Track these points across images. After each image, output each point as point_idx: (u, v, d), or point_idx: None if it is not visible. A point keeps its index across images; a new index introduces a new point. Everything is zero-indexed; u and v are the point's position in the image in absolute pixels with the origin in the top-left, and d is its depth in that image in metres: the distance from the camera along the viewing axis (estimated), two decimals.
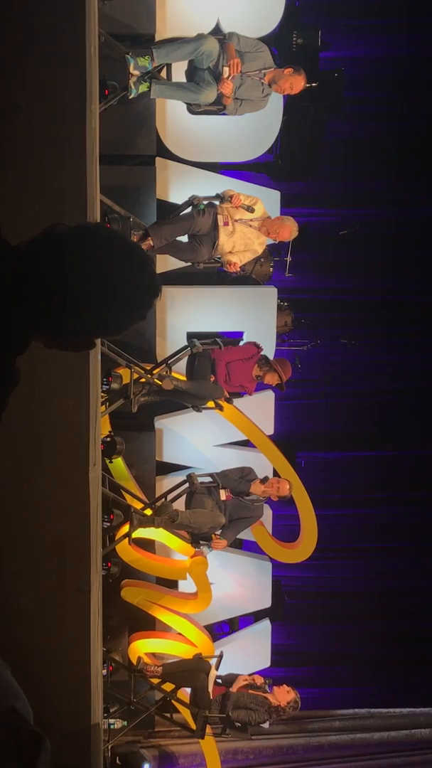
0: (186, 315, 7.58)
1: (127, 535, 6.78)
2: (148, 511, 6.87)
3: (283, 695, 7.23)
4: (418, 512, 9.35)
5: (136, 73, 6.32)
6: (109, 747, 7.14)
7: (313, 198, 8.72)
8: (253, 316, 7.74)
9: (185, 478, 7.16)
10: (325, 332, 8.74)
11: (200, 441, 7.77)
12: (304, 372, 8.42)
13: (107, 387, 6.48)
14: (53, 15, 4.36)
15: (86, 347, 2.15)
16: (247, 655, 8.10)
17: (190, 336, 7.27)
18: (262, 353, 7.23)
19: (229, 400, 7.21)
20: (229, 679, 7.38)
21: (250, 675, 7.49)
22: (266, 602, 8.21)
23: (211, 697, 7.12)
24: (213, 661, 7.27)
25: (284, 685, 7.32)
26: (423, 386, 9.21)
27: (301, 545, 7.81)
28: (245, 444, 7.87)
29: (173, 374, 6.92)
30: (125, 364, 6.59)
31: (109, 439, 6.83)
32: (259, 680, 7.39)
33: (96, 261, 2.01)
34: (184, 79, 6.70)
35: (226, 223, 6.84)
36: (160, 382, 6.71)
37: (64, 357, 4.41)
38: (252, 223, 6.96)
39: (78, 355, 4.54)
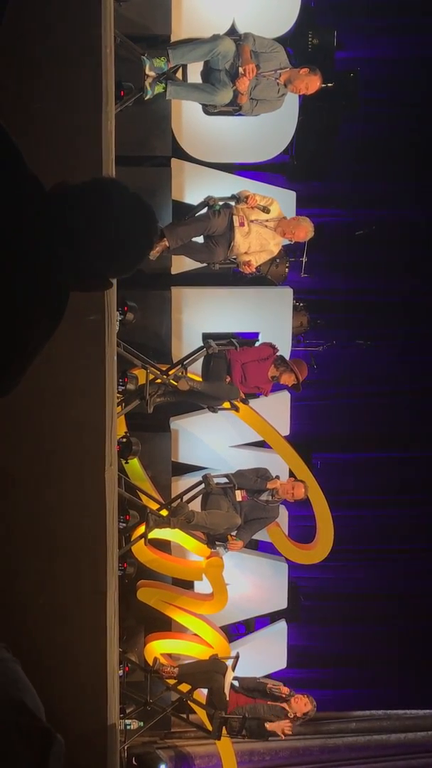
0: (201, 316, 7.58)
1: (143, 535, 6.79)
2: (164, 512, 6.88)
3: (301, 707, 7.17)
4: None
5: (152, 74, 6.34)
6: (126, 747, 7.16)
7: (328, 198, 8.69)
8: (268, 317, 7.73)
9: (201, 478, 7.16)
10: (341, 333, 8.70)
11: (216, 442, 7.77)
12: (320, 373, 8.38)
13: (123, 388, 6.49)
14: (69, 17, 4.37)
15: (104, 287, 2.44)
16: (263, 656, 8.09)
17: (206, 337, 7.28)
18: (278, 354, 7.22)
19: (244, 401, 7.20)
20: (249, 686, 7.34)
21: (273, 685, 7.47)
22: (282, 603, 8.20)
23: (228, 699, 7.11)
24: (229, 662, 7.26)
25: (304, 696, 7.25)
26: None
27: (317, 546, 7.80)
28: (261, 445, 7.87)
29: (189, 375, 6.93)
30: (141, 365, 6.60)
31: (125, 439, 6.83)
32: (285, 690, 7.34)
33: (114, 209, 2.30)
34: (199, 80, 6.71)
35: (241, 224, 6.84)
36: (175, 383, 6.71)
37: (80, 358, 4.43)
38: (268, 224, 6.95)
39: (94, 356, 4.56)
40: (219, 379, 7.06)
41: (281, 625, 8.35)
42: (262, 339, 7.58)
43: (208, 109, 6.86)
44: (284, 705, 7.19)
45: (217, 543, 7.18)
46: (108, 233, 2.27)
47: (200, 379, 7.11)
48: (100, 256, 2.29)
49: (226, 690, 7.11)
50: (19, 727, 2.05)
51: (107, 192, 2.32)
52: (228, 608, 7.58)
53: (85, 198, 2.28)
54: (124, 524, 6.66)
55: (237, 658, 7.27)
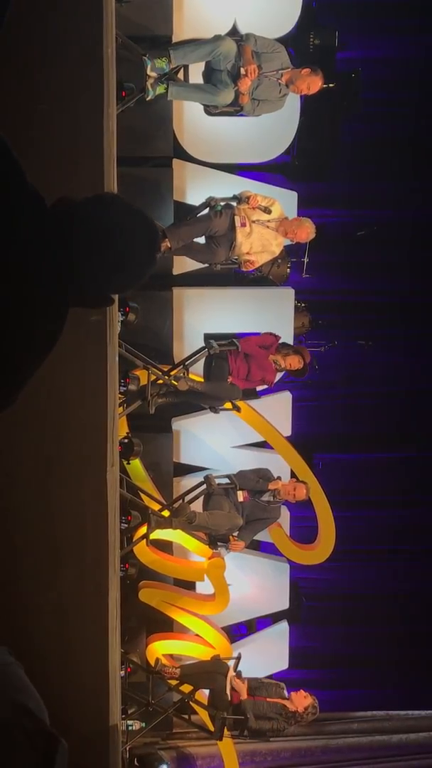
0: (203, 316, 7.57)
1: (145, 536, 6.79)
2: (166, 513, 6.88)
3: (301, 700, 7.18)
4: None
5: (154, 74, 6.34)
6: (128, 748, 7.14)
7: (330, 199, 8.69)
8: (270, 318, 7.72)
9: (203, 479, 7.15)
10: (342, 333, 8.71)
11: (217, 442, 7.76)
12: (322, 373, 8.39)
13: (125, 388, 6.48)
14: (71, 17, 4.37)
15: (105, 303, 2.46)
16: (264, 656, 8.08)
17: (207, 337, 7.27)
18: (280, 341, 7.19)
19: (248, 392, 7.18)
20: (250, 686, 7.33)
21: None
22: (284, 604, 8.19)
23: (229, 699, 7.10)
24: (231, 663, 7.26)
25: (301, 690, 7.28)
26: None
27: (319, 547, 7.79)
28: (262, 445, 7.86)
29: (190, 376, 6.92)
30: (143, 365, 6.60)
31: (126, 440, 6.83)
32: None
33: (116, 227, 2.31)
34: (201, 81, 6.71)
35: (243, 224, 6.83)
36: (177, 384, 6.71)
37: (82, 359, 4.43)
38: (269, 224, 6.94)
39: (96, 357, 4.56)
40: (221, 379, 7.05)
41: (283, 626, 8.34)
42: None
43: (210, 110, 6.85)
44: (285, 702, 7.19)
45: (218, 543, 7.17)
46: (110, 252, 2.28)
47: (202, 380, 7.10)
48: (101, 275, 2.31)
49: (228, 691, 7.11)
50: (23, 731, 2.05)
51: (109, 210, 2.33)
52: (229, 609, 7.57)
53: (87, 217, 2.28)
54: (126, 525, 6.65)
55: (239, 658, 7.27)
